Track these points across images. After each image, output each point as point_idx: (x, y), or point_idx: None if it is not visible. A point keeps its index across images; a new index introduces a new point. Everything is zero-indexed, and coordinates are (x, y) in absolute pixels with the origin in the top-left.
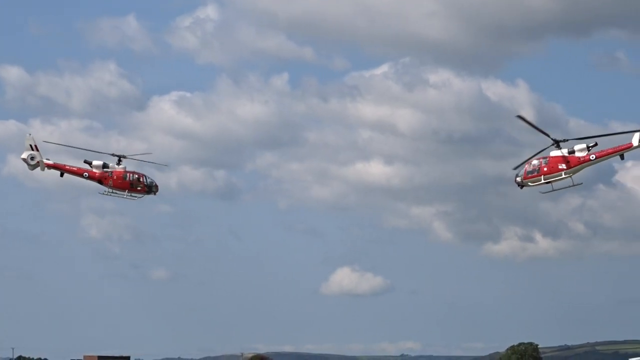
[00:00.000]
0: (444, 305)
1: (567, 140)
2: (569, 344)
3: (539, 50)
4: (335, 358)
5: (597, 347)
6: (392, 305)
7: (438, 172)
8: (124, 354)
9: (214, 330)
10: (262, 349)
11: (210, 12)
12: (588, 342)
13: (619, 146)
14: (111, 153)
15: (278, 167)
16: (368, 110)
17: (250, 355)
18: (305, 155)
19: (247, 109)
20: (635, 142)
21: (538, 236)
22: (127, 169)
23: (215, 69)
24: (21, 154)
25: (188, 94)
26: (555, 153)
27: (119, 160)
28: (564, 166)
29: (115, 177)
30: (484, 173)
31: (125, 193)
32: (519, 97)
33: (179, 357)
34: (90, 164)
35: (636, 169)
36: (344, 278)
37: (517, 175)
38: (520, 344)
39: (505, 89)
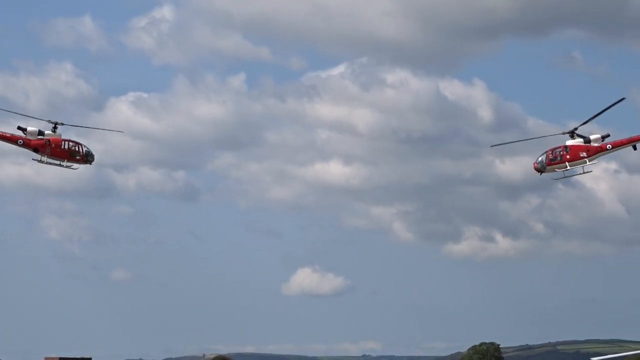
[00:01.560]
0: (405, 305)
1: (577, 128)
2: (530, 343)
3: (496, 50)
4: (296, 359)
5: (558, 347)
6: (353, 306)
7: (397, 172)
8: (86, 356)
9: (176, 331)
10: (223, 349)
11: (165, 12)
12: (549, 342)
13: (633, 137)
14: (47, 119)
15: (237, 168)
16: (326, 110)
17: (212, 356)
18: (264, 155)
19: (204, 110)
20: None
21: (498, 236)
22: (63, 137)
23: (171, 70)
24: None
25: (145, 95)
26: (572, 142)
27: (55, 127)
28: (584, 154)
29: (53, 145)
30: (443, 173)
31: (64, 162)
32: (476, 97)
33: (140, 359)
34: (24, 130)
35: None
36: (304, 278)
37: (537, 162)
38: (481, 344)
39: (462, 88)
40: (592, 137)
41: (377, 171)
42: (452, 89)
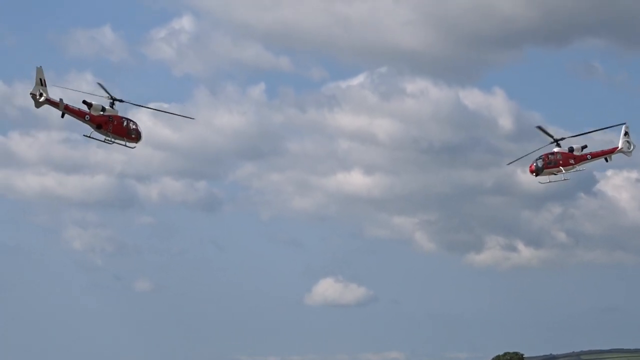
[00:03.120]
0: (428, 315)
1: (564, 139)
2: (554, 353)
3: (516, 59)
4: None
5: (582, 357)
6: (376, 316)
7: (418, 182)
8: None
9: (198, 341)
10: (246, 359)
11: (185, 23)
12: (573, 351)
13: (606, 149)
14: (107, 96)
15: (259, 178)
16: (346, 120)
17: None
18: (285, 165)
19: (225, 120)
20: (620, 145)
21: (520, 245)
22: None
23: (192, 80)
24: (30, 89)
25: (165, 105)
26: (559, 149)
27: (113, 103)
28: (573, 161)
29: (115, 123)
30: (464, 182)
31: (124, 140)
32: (497, 106)
33: None
34: (90, 105)
35: (617, 178)
36: (327, 289)
37: (535, 165)
38: (505, 354)
39: (483, 97)
40: (574, 146)
41: (399, 181)
42: (472, 98)
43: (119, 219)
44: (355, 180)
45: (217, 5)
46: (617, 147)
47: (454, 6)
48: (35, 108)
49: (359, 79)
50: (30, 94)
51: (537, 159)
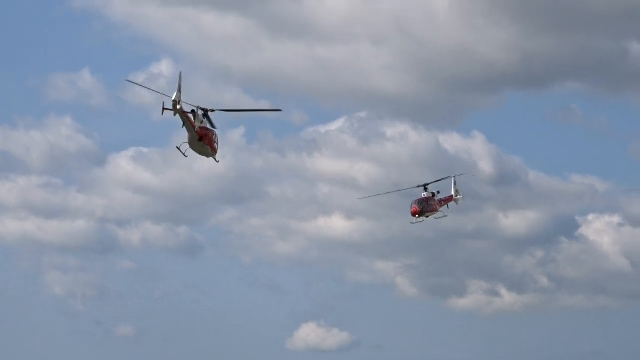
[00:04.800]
0: (412, 359)
1: (429, 184)
2: None
3: (496, 103)
4: None
5: None
6: None
7: (400, 226)
8: None
9: None
10: None
11: (163, 67)
12: None
13: (447, 197)
14: (196, 105)
15: (239, 222)
16: (326, 164)
17: None
18: (266, 210)
19: (204, 164)
20: (452, 193)
21: (503, 290)
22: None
23: (171, 124)
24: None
25: (145, 149)
26: (427, 194)
27: (206, 114)
28: (438, 206)
29: (211, 135)
30: (445, 226)
31: (211, 154)
32: (477, 150)
33: None
34: (195, 115)
35: (598, 222)
36: (309, 333)
37: (418, 208)
38: None
39: (462, 142)
40: (437, 192)
41: (380, 225)
42: (452, 142)
43: (100, 264)
44: (336, 225)
45: (195, 49)
46: (452, 196)
47: (434, 51)
48: (173, 116)
49: (339, 123)
50: (173, 100)
51: (416, 203)
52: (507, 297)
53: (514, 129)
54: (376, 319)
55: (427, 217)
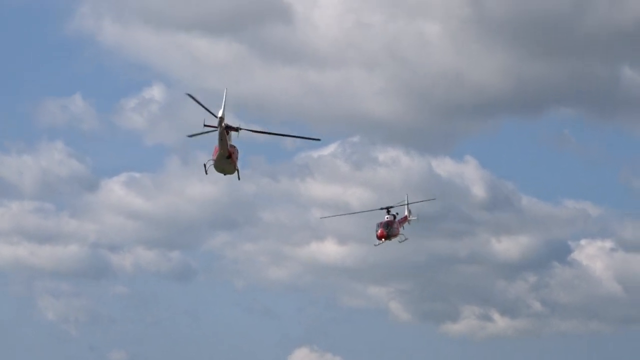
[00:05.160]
0: None
1: (393, 207)
2: None
3: (489, 128)
4: None
5: None
6: None
7: (393, 251)
8: None
9: None
10: None
11: (155, 92)
12: None
13: (402, 218)
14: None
15: (232, 248)
16: (319, 189)
17: None
18: (259, 235)
19: (197, 189)
20: (406, 213)
21: (496, 315)
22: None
23: (163, 150)
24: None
25: (137, 175)
26: (389, 217)
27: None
28: (401, 228)
29: (236, 152)
30: (438, 251)
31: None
32: (470, 175)
33: None
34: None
35: (591, 247)
36: (302, 358)
37: (385, 231)
38: None
39: (455, 166)
40: (397, 212)
41: (373, 250)
42: (445, 167)
43: (93, 289)
44: (329, 250)
45: (187, 74)
46: (406, 216)
47: (426, 76)
48: (219, 133)
49: (331, 148)
50: (220, 117)
51: (381, 227)
52: (500, 322)
53: (507, 154)
54: (369, 343)
55: (390, 240)
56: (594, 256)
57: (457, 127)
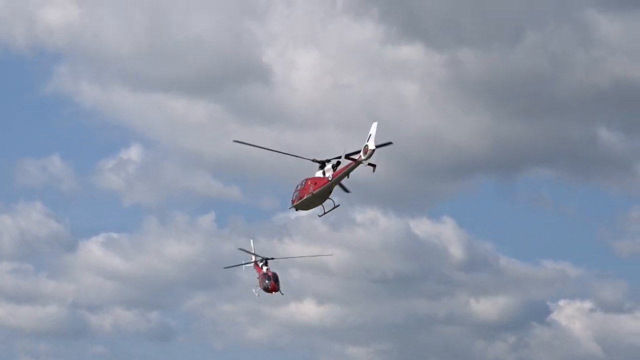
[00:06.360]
0: None
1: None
2: None
3: (466, 189)
4: None
5: None
6: None
7: (371, 312)
8: None
9: None
10: None
11: (133, 154)
12: None
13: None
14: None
15: (211, 308)
16: (297, 250)
17: None
18: (237, 295)
19: (175, 250)
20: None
21: None
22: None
23: (141, 210)
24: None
25: (115, 235)
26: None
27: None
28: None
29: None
30: (417, 312)
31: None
32: (447, 236)
33: None
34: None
35: (569, 308)
36: None
37: (276, 285)
38: None
39: (433, 227)
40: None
41: (351, 311)
42: (422, 227)
43: (72, 349)
44: (308, 311)
45: (165, 135)
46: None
47: (403, 136)
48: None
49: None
50: (371, 149)
51: (274, 279)
52: None
53: (484, 214)
54: None
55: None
56: (572, 317)
57: (434, 186)
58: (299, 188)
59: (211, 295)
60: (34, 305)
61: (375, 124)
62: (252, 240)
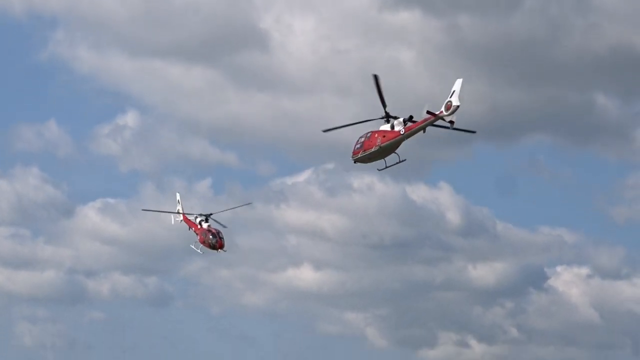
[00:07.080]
0: None
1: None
2: None
3: (463, 155)
4: None
5: None
6: None
7: (369, 277)
8: None
9: None
10: None
11: (129, 120)
12: None
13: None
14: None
15: (208, 273)
16: (294, 215)
17: None
18: (235, 261)
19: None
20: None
21: (473, 341)
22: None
23: (138, 176)
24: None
25: (112, 200)
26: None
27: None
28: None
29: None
30: (415, 277)
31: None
32: (445, 201)
33: None
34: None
35: (567, 274)
36: None
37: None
38: None
39: (430, 192)
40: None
41: (349, 276)
42: (419, 193)
43: (69, 315)
44: (306, 276)
45: (161, 101)
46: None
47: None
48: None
49: (306, 174)
50: (455, 105)
51: (220, 236)
52: (477, 348)
53: (481, 180)
54: None
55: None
56: (570, 282)
57: (431, 152)
58: (362, 140)
59: (208, 260)
60: (31, 271)
61: (459, 80)
62: (178, 194)
